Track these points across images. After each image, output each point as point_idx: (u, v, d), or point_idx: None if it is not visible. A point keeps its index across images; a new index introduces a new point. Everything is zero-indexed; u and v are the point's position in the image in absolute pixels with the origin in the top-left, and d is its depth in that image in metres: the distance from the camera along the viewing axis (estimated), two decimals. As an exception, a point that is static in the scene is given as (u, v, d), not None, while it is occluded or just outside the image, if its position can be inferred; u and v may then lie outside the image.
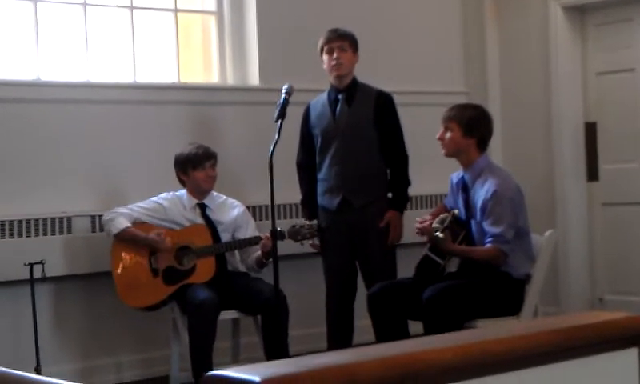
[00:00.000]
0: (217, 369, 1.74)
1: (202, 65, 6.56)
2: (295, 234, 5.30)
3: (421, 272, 4.92)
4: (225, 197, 5.59)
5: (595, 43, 6.96)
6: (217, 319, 5.16)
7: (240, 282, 5.39)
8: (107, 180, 5.81)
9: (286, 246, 5.32)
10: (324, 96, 5.52)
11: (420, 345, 1.94)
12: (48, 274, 5.35)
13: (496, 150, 6.67)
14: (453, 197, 5.09)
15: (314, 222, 5.33)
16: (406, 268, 5.30)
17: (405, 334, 4.95)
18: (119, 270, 5.36)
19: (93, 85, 5.93)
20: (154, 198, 5.49)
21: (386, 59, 6.77)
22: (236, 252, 5.51)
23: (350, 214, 5.38)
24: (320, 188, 5.48)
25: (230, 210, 5.55)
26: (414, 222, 5.12)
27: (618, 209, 6.88)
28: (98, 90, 5.92)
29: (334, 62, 5.38)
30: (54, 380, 2.13)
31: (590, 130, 7.00)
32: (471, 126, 4.93)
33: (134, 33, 6.13)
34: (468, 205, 4.94)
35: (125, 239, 5.33)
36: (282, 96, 4.99)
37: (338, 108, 5.44)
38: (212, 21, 6.49)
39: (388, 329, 4.89)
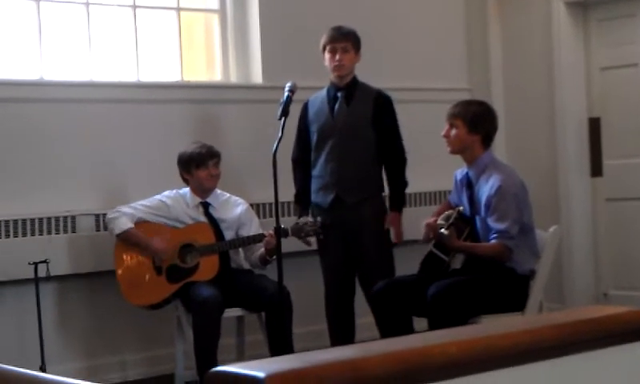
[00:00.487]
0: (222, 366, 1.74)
1: (205, 63, 6.56)
2: (299, 231, 5.31)
3: (425, 268, 4.93)
4: (228, 194, 5.59)
5: (598, 39, 6.95)
6: (221, 317, 5.16)
7: (244, 280, 5.39)
8: (111, 179, 5.82)
9: (289, 244, 5.32)
10: (323, 93, 5.52)
11: (424, 340, 1.94)
12: (52, 273, 5.36)
13: (500, 145, 6.66)
14: (457, 193, 5.09)
15: (318, 219, 5.33)
16: (406, 265, 5.30)
17: (409, 331, 4.95)
18: (123, 269, 5.36)
19: (96, 84, 5.93)
20: (158, 196, 5.50)
21: (389, 56, 6.76)
22: (240, 249, 5.51)
23: (343, 212, 5.38)
24: (314, 185, 5.49)
25: (233, 207, 5.55)
26: (413, 218, 5.12)
27: (621, 204, 6.87)
28: (101, 89, 5.92)
29: (336, 63, 5.38)
30: (59, 378, 2.13)
31: (594, 125, 6.99)
32: (476, 122, 4.93)
33: (136, 32, 6.13)
34: (472, 201, 4.94)
35: (126, 240, 5.34)
36: (286, 94, 4.98)
37: (336, 106, 5.44)
38: (215, 19, 6.49)
39: (393, 326, 4.89)
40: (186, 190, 5.51)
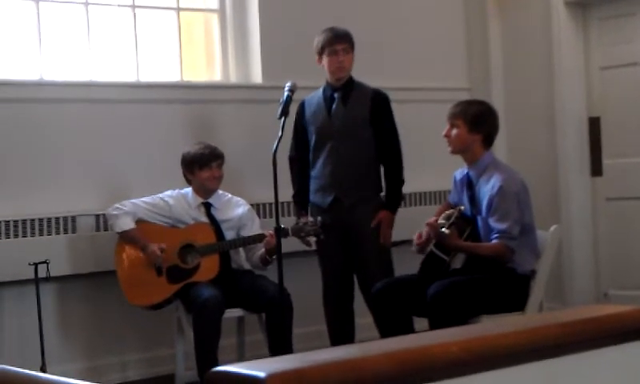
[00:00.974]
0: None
1: (205, 63, 6.56)
2: (299, 231, 5.30)
3: (426, 268, 4.92)
4: (230, 195, 5.59)
5: (598, 38, 6.95)
6: (221, 317, 5.16)
7: (244, 280, 5.39)
8: (111, 179, 5.82)
9: (289, 244, 5.32)
10: (319, 93, 5.51)
11: (425, 339, 1.94)
12: (53, 274, 5.35)
13: (500, 145, 6.65)
14: (457, 194, 5.09)
15: (319, 218, 5.33)
16: (405, 265, 5.30)
17: (410, 331, 4.94)
18: (123, 269, 5.36)
19: (95, 84, 5.93)
20: (160, 195, 5.50)
21: (389, 55, 6.76)
22: (241, 250, 5.51)
23: (342, 213, 5.37)
24: (313, 185, 5.49)
25: (235, 208, 5.55)
26: (412, 218, 5.12)
27: (621, 203, 6.87)
28: (101, 89, 5.92)
29: (339, 65, 5.37)
30: (59, 378, 2.13)
31: (594, 124, 6.99)
32: (477, 122, 4.93)
33: (136, 32, 6.13)
34: (473, 201, 4.94)
35: (126, 240, 5.34)
36: (285, 93, 4.98)
37: (333, 106, 5.44)
38: (214, 19, 6.49)
39: (393, 325, 4.88)
40: (188, 190, 5.51)
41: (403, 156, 5.47)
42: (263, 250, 5.35)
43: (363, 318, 5.47)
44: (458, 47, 7.25)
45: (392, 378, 1.75)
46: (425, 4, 7.08)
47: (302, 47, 6.30)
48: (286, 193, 5.48)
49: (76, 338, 5.73)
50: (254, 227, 5.50)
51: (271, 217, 5.79)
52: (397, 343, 1.91)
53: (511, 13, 7.20)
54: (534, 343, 1.96)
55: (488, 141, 4.97)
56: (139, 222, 5.38)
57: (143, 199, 5.45)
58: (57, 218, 5.58)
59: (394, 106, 5.51)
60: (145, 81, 6.13)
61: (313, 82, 5.67)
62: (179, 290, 5.31)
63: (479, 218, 4.89)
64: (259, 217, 5.84)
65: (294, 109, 5.06)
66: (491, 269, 4.82)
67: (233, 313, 5.34)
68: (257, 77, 6.40)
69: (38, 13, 5.79)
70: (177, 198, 5.49)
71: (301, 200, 5.55)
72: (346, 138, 5.38)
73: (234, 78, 6.45)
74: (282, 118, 4.86)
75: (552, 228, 5.05)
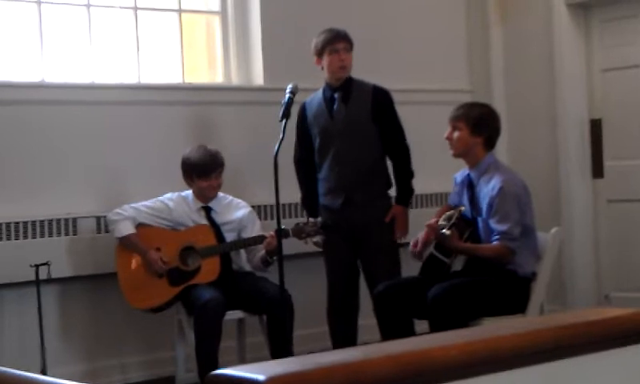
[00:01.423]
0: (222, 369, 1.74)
1: (207, 65, 6.56)
2: (299, 232, 5.30)
3: (426, 270, 4.92)
4: (231, 197, 5.59)
5: (600, 40, 6.95)
6: (222, 319, 5.16)
7: (245, 282, 5.39)
8: (112, 181, 5.82)
9: (290, 246, 5.32)
10: (319, 95, 5.51)
11: (426, 342, 1.94)
12: (53, 276, 5.36)
13: (501, 147, 6.63)
14: (457, 195, 5.09)
15: (318, 219, 5.32)
16: (410, 267, 5.30)
17: (410, 333, 4.95)
18: (124, 272, 5.36)
19: (97, 86, 5.93)
20: (160, 198, 5.49)
21: (390, 57, 6.76)
22: (242, 252, 5.51)
23: (353, 212, 5.37)
24: (321, 188, 5.48)
25: (235, 210, 5.55)
26: (415, 220, 5.11)
27: (623, 205, 6.86)
28: (103, 91, 5.92)
29: (341, 64, 5.37)
30: (59, 381, 2.13)
31: (595, 126, 6.98)
32: (479, 124, 4.93)
33: (138, 33, 6.13)
34: (474, 202, 4.94)
35: (126, 245, 5.34)
36: (287, 95, 4.98)
37: (334, 107, 5.43)
38: (216, 21, 6.49)
39: (394, 328, 4.88)
40: (189, 192, 5.51)
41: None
42: (264, 251, 5.35)
43: (366, 319, 5.47)
44: (459, 49, 7.25)
45: (393, 381, 1.75)
46: (426, 6, 7.08)
47: (303, 49, 6.29)
48: (288, 195, 5.48)
49: (76, 340, 5.73)
50: (254, 229, 5.50)
51: (272, 219, 5.79)
52: (397, 346, 1.91)
53: (513, 15, 7.20)
54: (535, 346, 1.96)
55: (490, 143, 4.97)
56: (140, 225, 5.37)
57: (143, 203, 5.45)
58: (58, 220, 5.58)
59: (396, 108, 5.51)
60: (146, 83, 6.13)
61: (314, 84, 5.67)
62: (180, 293, 5.30)
63: (479, 219, 4.89)
64: (260, 219, 5.84)
65: (295, 111, 5.06)
66: (492, 271, 4.82)
67: (233, 315, 5.34)
68: (258, 79, 6.40)
69: (40, 14, 5.79)
70: (177, 200, 5.49)
71: (309, 203, 5.54)
72: (350, 138, 5.38)
73: (235, 80, 6.45)
74: (284, 120, 4.86)
75: (553, 230, 5.05)
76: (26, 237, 5.48)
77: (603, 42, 6.92)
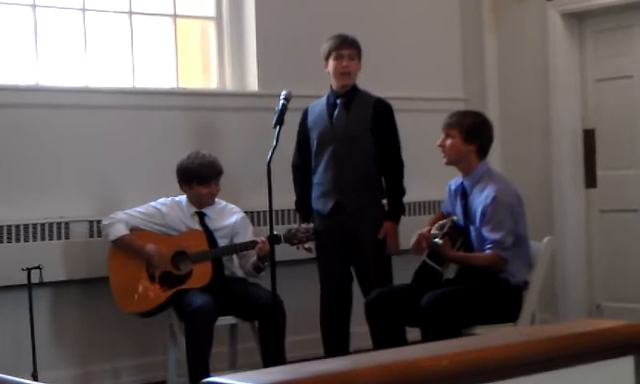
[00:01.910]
0: (214, 374, 1.75)
1: (201, 70, 6.56)
2: (291, 238, 5.30)
3: (419, 278, 4.93)
4: (225, 203, 5.59)
5: (594, 50, 6.96)
6: (214, 325, 5.16)
7: (237, 288, 5.39)
8: (105, 185, 5.81)
9: (283, 252, 5.32)
10: (323, 100, 5.53)
11: (416, 352, 1.94)
12: (46, 279, 5.35)
13: (494, 155, 6.65)
14: (450, 203, 5.10)
15: (310, 225, 5.33)
16: (403, 275, 5.30)
17: (402, 341, 4.95)
18: (116, 276, 5.36)
19: (91, 90, 5.93)
20: (153, 203, 5.49)
21: (385, 65, 6.77)
22: (234, 257, 5.51)
23: (343, 219, 5.38)
24: (315, 192, 5.49)
25: (229, 216, 5.55)
26: (409, 228, 5.11)
27: (615, 215, 6.87)
28: (97, 95, 5.92)
29: (343, 70, 5.38)
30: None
31: (589, 136, 7.00)
32: (472, 132, 4.94)
33: (132, 38, 6.13)
34: (467, 211, 4.95)
35: (122, 246, 5.34)
36: (281, 102, 4.99)
37: (335, 113, 5.45)
38: (211, 26, 6.50)
39: (386, 335, 4.89)
40: (183, 197, 5.51)
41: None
42: (255, 257, 5.35)
43: (358, 327, 5.47)
44: (454, 58, 7.26)
45: (382, 390, 1.75)
46: (421, 14, 7.09)
47: (298, 56, 6.32)
48: (281, 201, 5.48)
49: (68, 344, 5.72)
50: (247, 235, 5.50)
51: (265, 224, 5.78)
52: (388, 356, 1.91)
53: (507, 24, 7.22)
54: (526, 357, 1.96)
55: (482, 152, 4.98)
56: (132, 229, 5.37)
57: (136, 209, 5.45)
58: (50, 224, 5.57)
59: (396, 123, 5.51)
60: (141, 87, 6.12)
61: (309, 91, 5.68)
62: (172, 297, 5.30)
63: (472, 228, 4.90)
64: (254, 225, 5.84)
65: (288, 117, 5.06)
66: (484, 279, 4.83)
67: (225, 320, 5.33)
68: (253, 85, 6.41)
69: (35, 18, 5.79)
70: (170, 205, 5.49)
71: (303, 207, 5.55)
72: (347, 145, 5.39)
73: (229, 86, 6.45)
74: (277, 127, 4.87)
75: (545, 239, 5.06)
76: (18, 240, 5.47)
77: (597, 52, 6.94)
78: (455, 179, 5.10)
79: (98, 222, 5.55)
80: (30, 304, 5.24)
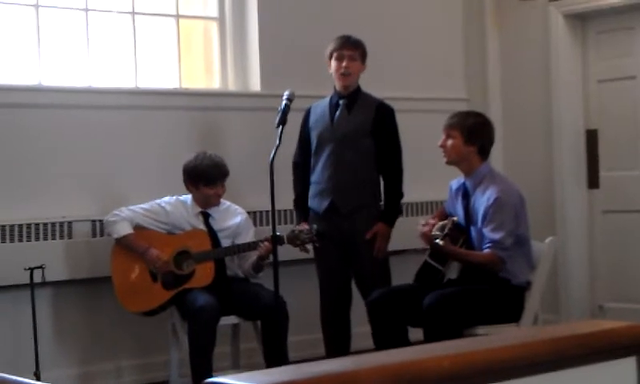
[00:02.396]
0: (216, 374, 1.75)
1: (204, 70, 6.56)
2: (294, 239, 5.30)
3: (421, 278, 4.93)
4: (228, 203, 5.59)
5: (596, 51, 6.96)
6: (217, 324, 5.16)
7: (240, 288, 5.39)
8: (108, 185, 5.82)
9: (285, 252, 5.32)
10: (326, 100, 5.53)
11: (419, 352, 1.94)
12: (48, 279, 5.35)
13: (496, 156, 6.65)
14: (452, 203, 5.10)
15: (314, 226, 5.32)
16: (402, 274, 5.30)
17: (405, 341, 4.95)
18: (118, 275, 5.36)
19: (94, 90, 5.93)
20: (157, 201, 5.49)
21: (387, 65, 6.76)
22: (234, 258, 5.51)
23: (338, 220, 5.37)
24: (311, 190, 5.49)
25: (232, 216, 5.55)
26: (410, 228, 5.11)
27: (618, 216, 6.87)
28: (100, 95, 5.92)
29: (342, 70, 5.39)
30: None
31: (591, 137, 7.00)
32: (473, 133, 4.94)
33: (135, 38, 6.13)
34: (468, 211, 4.95)
35: (124, 245, 5.34)
36: (284, 102, 4.99)
37: (337, 113, 5.45)
38: (214, 26, 6.50)
39: (388, 335, 4.89)
40: (188, 196, 5.51)
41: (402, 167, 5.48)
42: (255, 256, 5.35)
43: (359, 327, 5.47)
44: (456, 58, 7.26)
45: (385, 391, 1.75)
46: (423, 15, 7.09)
47: (300, 56, 6.32)
48: (284, 201, 5.49)
49: (71, 344, 5.72)
50: (248, 236, 5.50)
51: (268, 224, 5.80)
52: (390, 356, 1.91)
53: (510, 25, 7.22)
54: (527, 358, 1.96)
55: (483, 152, 4.98)
56: (136, 228, 5.38)
57: (140, 206, 5.45)
58: (53, 224, 5.57)
59: (398, 127, 5.51)
60: (143, 87, 6.13)
61: (311, 91, 5.68)
62: (174, 297, 5.30)
63: (473, 229, 4.90)
64: (256, 225, 5.84)
65: (291, 117, 5.06)
66: (486, 279, 4.83)
67: (228, 320, 5.34)
68: (255, 85, 6.41)
69: (38, 18, 5.79)
70: (175, 204, 5.49)
71: (301, 205, 5.55)
72: (347, 146, 5.39)
73: (232, 86, 6.45)
74: (280, 127, 4.87)
75: (548, 240, 5.06)
76: (21, 240, 5.47)
77: (599, 53, 6.93)
78: (457, 179, 5.10)
79: (101, 221, 5.55)
80: (33, 303, 5.25)
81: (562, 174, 6.97)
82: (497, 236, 4.76)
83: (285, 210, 6.09)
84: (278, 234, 4.89)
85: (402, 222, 5.59)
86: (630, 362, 2.14)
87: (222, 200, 5.54)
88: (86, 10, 5.97)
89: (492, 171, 5.04)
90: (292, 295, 5.43)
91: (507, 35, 7.23)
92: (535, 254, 4.96)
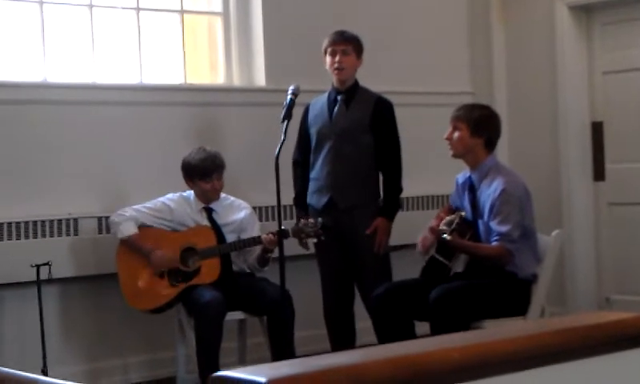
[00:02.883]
0: (223, 370, 1.75)
1: (209, 66, 6.56)
2: (299, 233, 5.30)
3: (427, 273, 4.92)
4: (232, 198, 5.59)
5: (601, 42, 6.95)
6: (223, 320, 5.16)
7: (246, 283, 5.39)
8: (113, 181, 5.82)
9: (291, 247, 5.32)
10: (324, 96, 5.52)
11: (427, 345, 1.94)
12: (54, 276, 5.36)
13: (502, 149, 6.65)
14: (458, 197, 5.09)
15: (319, 219, 5.31)
16: (404, 269, 5.30)
17: (411, 335, 4.95)
18: (125, 272, 5.36)
19: (99, 86, 5.93)
20: (161, 199, 5.50)
21: (393, 59, 6.76)
22: (241, 252, 5.51)
23: (337, 216, 5.35)
24: (311, 187, 5.49)
25: (237, 211, 5.55)
26: (412, 222, 5.10)
27: (624, 208, 6.86)
28: (104, 91, 5.93)
29: (335, 65, 5.38)
30: (60, 381, 2.13)
31: (597, 129, 6.98)
32: (479, 125, 4.93)
33: (140, 34, 6.13)
34: (475, 205, 4.94)
35: (129, 246, 5.34)
36: (289, 97, 4.99)
37: (335, 109, 5.44)
38: (218, 22, 6.50)
39: (393, 330, 4.88)
40: (190, 192, 5.51)
41: (405, 161, 5.46)
42: (259, 250, 5.35)
43: (364, 322, 5.46)
44: (461, 51, 7.25)
45: (394, 383, 1.75)
46: (428, 8, 7.08)
47: (305, 51, 6.31)
48: (289, 196, 5.49)
49: (77, 340, 5.73)
50: (254, 230, 5.50)
51: (273, 220, 5.78)
52: (398, 348, 1.91)
53: (515, 17, 7.20)
54: (535, 350, 1.96)
55: (490, 145, 4.97)
56: (141, 226, 5.38)
57: (144, 204, 5.45)
58: (59, 220, 5.58)
59: (397, 110, 5.51)
60: (148, 83, 6.13)
61: (316, 86, 5.67)
62: (180, 293, 5.30)
63: (480, 222, 4.89)
64: (261, 220, 5.85)
65: (297, 112, 5.06)
66: (493, 273, 4.82)
67: (234, 315, 5.34)
68: (260, 80, 6.40)
69: (42, 14, 5.79)
70: (179, 201, 5.49)
71: (301, 202, 5.55)
72: (346, 141, 5.38)
73: (237, 81, 6.45)
74: (285, 122, 4.87)
75: (554, 232, 5.05)
76: (27, 237, 5.48)
77: (605, 45, 6.92)
78: (463, 173, 5.09)
79: (107, 218, 5.55)
80: (39, 300, 5.26)
81: (568, 167, 6.96)
82: (504, 228, 4.76)
83: (290, 205, 6.08)
84: (283, 228, 4.89)
85: (403, 216, 5.58)
86: (637, 353, 2.13)
87: (226, 195, 5.54)
88: (91, 6, 5.97)
89: (498, 164, 5.03)
90: (298, 290, 5.43)
91: (512, 27, 7.21)
92: (541, 247, 4.95)
